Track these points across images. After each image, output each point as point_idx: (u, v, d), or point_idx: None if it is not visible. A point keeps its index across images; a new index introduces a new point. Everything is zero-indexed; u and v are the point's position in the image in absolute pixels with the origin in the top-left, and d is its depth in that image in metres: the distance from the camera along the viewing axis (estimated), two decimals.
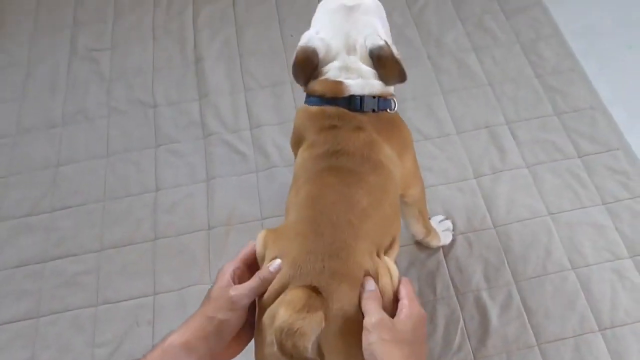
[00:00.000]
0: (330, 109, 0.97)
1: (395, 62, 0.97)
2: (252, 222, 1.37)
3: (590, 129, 1.47)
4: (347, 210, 0.87)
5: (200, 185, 1.45)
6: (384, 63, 0.97)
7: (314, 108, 0.99)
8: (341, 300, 0.79)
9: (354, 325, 0.78)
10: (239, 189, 1.43)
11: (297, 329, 0.73)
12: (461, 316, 1.21)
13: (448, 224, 1.33)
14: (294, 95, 1.59)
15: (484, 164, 1.43)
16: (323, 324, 0.75)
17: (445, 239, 1.31)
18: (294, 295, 0.77)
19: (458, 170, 1.42)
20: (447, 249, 1.30)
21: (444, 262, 1.29)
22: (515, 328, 1.19)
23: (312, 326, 0.74)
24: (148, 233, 1.38)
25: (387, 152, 0.97)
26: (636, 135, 1.46)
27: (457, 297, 1.24)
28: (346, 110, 0.96)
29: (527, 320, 1.20)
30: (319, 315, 0.75)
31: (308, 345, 0.74)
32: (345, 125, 0.95)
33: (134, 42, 1.76)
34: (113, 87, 1.66)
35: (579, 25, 1.70)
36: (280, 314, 0.75)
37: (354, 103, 0.96)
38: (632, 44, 1.65)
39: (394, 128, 1.01)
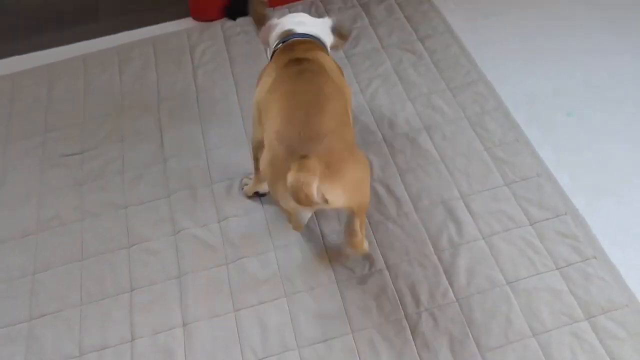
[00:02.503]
0: (292, 40, 1.44)
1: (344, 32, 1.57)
2: (225, 315, 1.42)
3: (538, 196, 1.56)
4: (313, 98, 1.28)
5: (174, 282, 1.50)
6: (339, 32, 1.55)
7: (280, 48, 1.44)
8: (320, 155, 1.18)
9: (336, 166, 1.20)
10: (210, 282, 1.49)
11: (302, 182, 1.14)
12: None
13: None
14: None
15: (443, 239, 1.50)
16: (317, 173, 1.15)
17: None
18: (290, 158, 1.17)
19: (419, 246, 1.50)
20: (413, 325, 1.36)
21: (411, 338, 1.34)
22: None
23: (309, 177, 1.15)
24: (125, 334, 1.42)
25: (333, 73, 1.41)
26: (581, 199, 1.55)
27: None
28: (302, 39, 1.44)
29: None
30: (311, 164, 1.16)
31: (313, 190, 1.15)
32: (300, 47, 1.42)
33: (103, 145, 1.84)
34: (85, 191, 1.73)
35: (520, 96, 1.83)
36: (288, 179, 1.15)
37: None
38: (572, 111, 1.77)
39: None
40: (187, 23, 2.23)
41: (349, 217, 1.38)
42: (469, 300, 1.39)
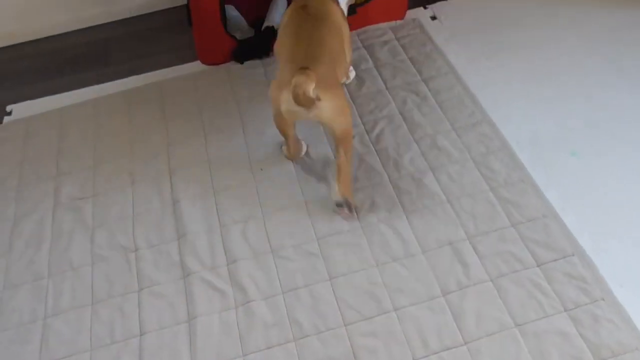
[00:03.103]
0: None
1: None
2: None
3: (545, 237, 1.57)
4: (317, 33, 1.65)
5: (183, 326, 1.51)
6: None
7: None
8: (317, 71, 1.50)
9: (328, 77, 1.57)
10: (219, 326, 1.49)
11: (302, 81, 1.46)
12: None
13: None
14: (266, 227, 1.69)
15: (450, 281, 1.51)
16: (314, 79, 1.47)
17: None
18: (295, 70, 1.49)
19: (426, 289, 1.50)
20: None
21: None
22: None
23: (308, 79, 1.46)
24: None
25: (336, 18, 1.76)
26: (588, 239, 1.56)
27: None
28: None
29: None
30: (310, 72, 1.48)
31: (310, 89, 1.46)
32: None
33: (114, 189, 1.87)
34: (96, 234, 1.75)
35: (524, 136, 1.85)
36: (292, 81, 1.46)
37: None
38: (575, 150, 1.79)
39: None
40: (195, 67, 2.28)
41: (337, 148, 1.65)
42: (477, 344, 1.39)
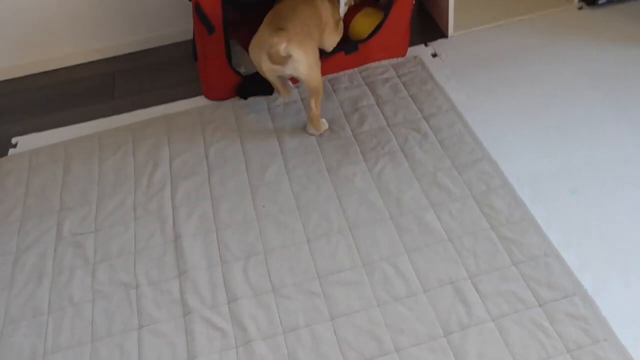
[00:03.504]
0: None
1: None
2: None
3: (546, 276, 1.57)
4: (295, 8, 1.92)
5: None
6: None
7: None
8: (289, 32, 1.82)
9: (302, 38, 1.86)
10: None
11: (275, 42, 1.79)
12: None
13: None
14: (267, 264, 1.69)
15: (452, 321, 1.50)
16: (285, 38, 1.79)
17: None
18: (271, 30, 1.83)
19: (428, 329, 1.50)
20: None
21: None
22: None
23: (281, 38, 1.80)
24: None
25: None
26: (589, 279, 1.56)
27: None
28: None
29: None
30: (283, 32, 1.80)
31: (282, 47, 1.79)
32: None
33: (116, 224, 1.88)
34: (97, 270, 1.75)
35: (524, 173, 1.86)
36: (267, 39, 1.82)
37: None
38: (576, 188, 1.80)
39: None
40: (200, 101, 2.31)
41: (308, 99, 1.98)
42: None
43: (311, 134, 2.07)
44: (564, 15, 2.49)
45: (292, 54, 1.82)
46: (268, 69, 1.90)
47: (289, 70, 1.86)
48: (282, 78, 2.04)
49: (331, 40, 2.18)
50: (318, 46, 2.02)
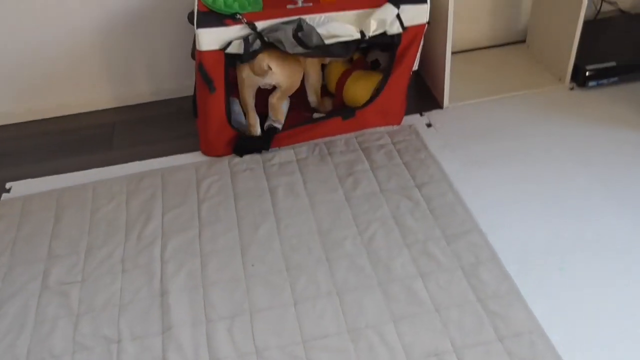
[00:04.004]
0: None
1: None
2: None
3: (531, 354, 1.56)
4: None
5: None
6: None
7: None
8: (274, 54, 2.09)
9: (283, 60, 2.13)
10: None
11: (259, 59, 2.07)
12: None
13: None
14: (252, 325, 1.68)
15: None
16: (266, 58, 2.08)
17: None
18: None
19: None
20: None
21: None
22: None
23: (263, 58, 2.07)
24: None
25: None
26: (574, 358, 1.55)
27: None
28: None
29: None
30: (264, 55, 2.07)
31: (264, 63, 2.08)
32: None
33: (104, 275, 1.87)
34: (80, 321, 1.73)
35: (513, 248, 1.87)
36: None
37: None
38: (563, 266, 1.81)
39: None
40: (196, 157, 2.35)
41: (274, 92, 2.24)
42: None
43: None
44: (556, 94, 2.57)
45: (272, 68, 2.10)
46: (247, 76, 2.17)
47: (267, 80, 2.17)
48: (253, 107, 2.31)
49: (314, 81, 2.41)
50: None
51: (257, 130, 2.34)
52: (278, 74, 2.14)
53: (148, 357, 1.62)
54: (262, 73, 2.11)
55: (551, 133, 2.35)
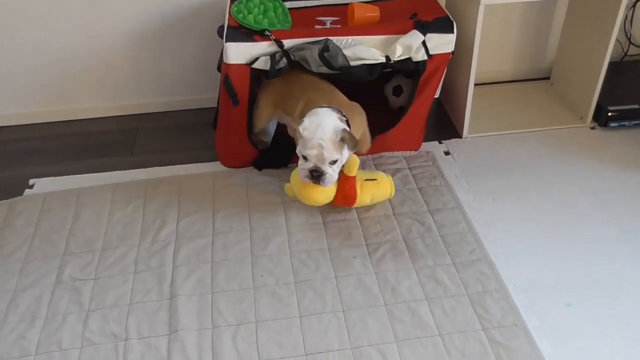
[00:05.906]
0: None
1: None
2: None
3: None
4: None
5: None
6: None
7: None
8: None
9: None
10: None
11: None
12: None
13: None
14: (257, 334, 1.70)
15: None
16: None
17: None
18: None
19: None
20: None
21: None
22: None
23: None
24: None
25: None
26: None
27: None
28: None
29: None
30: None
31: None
32: None
33: (116, 275, 1.91)
34: (90, 317, 1.77)
35: (521, 280, 1.88)
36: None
37: None
38: (570, 302, 1.81)
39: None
40: (215, 167, 2.39)
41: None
42: None
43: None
44: (576, 133, 2.58)
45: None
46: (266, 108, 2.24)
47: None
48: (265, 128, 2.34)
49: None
50: None
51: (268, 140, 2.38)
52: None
53: (154, 357, 1.64)
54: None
55: (568, 171, 2.36)
